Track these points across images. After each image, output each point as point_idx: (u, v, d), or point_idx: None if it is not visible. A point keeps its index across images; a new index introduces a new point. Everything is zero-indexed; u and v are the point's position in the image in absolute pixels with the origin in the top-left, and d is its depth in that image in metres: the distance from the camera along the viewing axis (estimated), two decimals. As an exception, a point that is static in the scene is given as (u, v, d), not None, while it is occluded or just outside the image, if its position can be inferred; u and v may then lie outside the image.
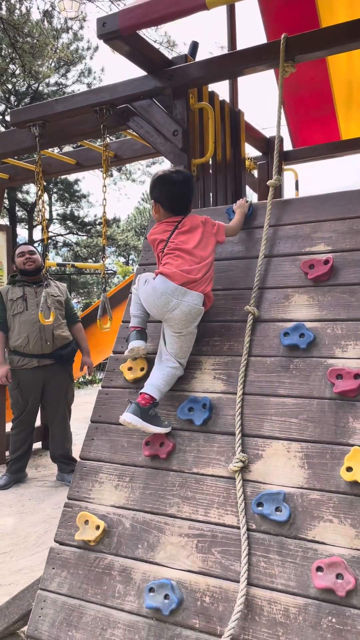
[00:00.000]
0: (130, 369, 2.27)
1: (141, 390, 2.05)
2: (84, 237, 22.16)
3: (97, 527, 1.92)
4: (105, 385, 2.31)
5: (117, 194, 23.24)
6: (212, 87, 3.22)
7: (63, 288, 4.16)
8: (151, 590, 1.73)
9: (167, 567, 1.79)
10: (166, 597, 1.70)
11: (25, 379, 3.97)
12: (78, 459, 2.17)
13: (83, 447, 2.18)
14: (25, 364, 3.95)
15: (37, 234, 20.13)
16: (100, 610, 1.81)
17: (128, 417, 1.96)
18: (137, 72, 3.02)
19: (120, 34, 2.55)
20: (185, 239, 2.20)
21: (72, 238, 22.21)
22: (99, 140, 3.35)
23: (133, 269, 19.02)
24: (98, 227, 20.96)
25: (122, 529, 1.92)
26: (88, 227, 21.59)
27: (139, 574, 1.81)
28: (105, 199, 3.21)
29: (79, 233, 22.05)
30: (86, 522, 1.95)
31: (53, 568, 1.96)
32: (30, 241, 19.02)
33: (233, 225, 2.37)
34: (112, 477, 2.05)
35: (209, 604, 1.68)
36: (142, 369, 2.25)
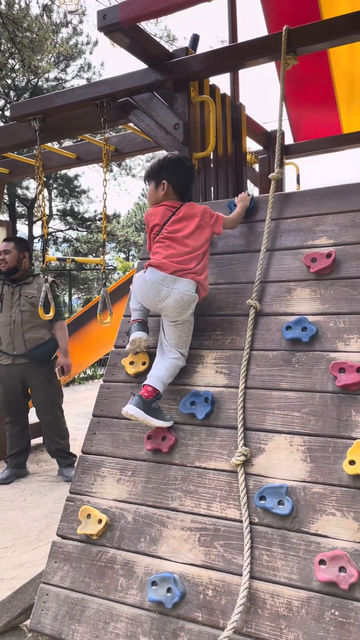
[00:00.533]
0: (132, 363, 2.26)
1: (144, 382, 2.05)
2: (84, 233, 22.14)
3: (100, 521, 1.92)
4: (107, 379, 2.31)
5: (117, 189, 23.18)
6: (213, 80, 3.20)
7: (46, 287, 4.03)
8: (154, 583, 1.73)
9: (170, 560, 1.79)
10: (169, 590, 1.70)
11: (2, 372, 4.04)
12: (80, 453, 2.17)
13: (85, 442, 2.18)
14: (1, 360, 4.02)
15: (37, 230, 20.08)
16: (102, 603, 1.81)
17: (130, 410, 1.96)
18: (136, 67, 3.01)
19: (121, 26, 2.53)
20: (178, 228, 2.21)
21: (72, 234, 22.19)
22: (99, 134, 3.34)
23: (133, 265, 19.02)
24: (98, 223, 20.92)
25: (125, 523, 1.92)
26: (88, 223, 21.56)
27: (142, 567, 1.81)
28: (105, 193, 3.20)
29: (79, 229, 22.02)
30: (88, 516, 1.95)
31: (55, 562, 1.96)
32: (30, 237, 18.99)
33: (233, 217, 2.36)
34: (114, 471, 2.05)
35: (211, 597, 1.68)
36: (143, 363, 2.24)
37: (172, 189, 2.33)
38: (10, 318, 3.95)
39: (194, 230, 2.21)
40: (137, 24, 2.63)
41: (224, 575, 1.70)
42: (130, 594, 1.79)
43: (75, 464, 4.13)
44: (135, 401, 1.98)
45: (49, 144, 4.06)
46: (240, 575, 1.67)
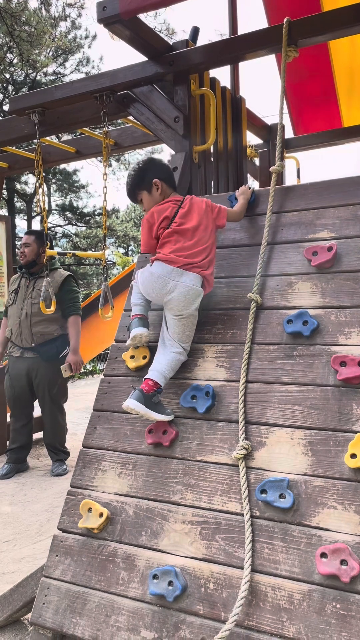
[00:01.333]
0: (132, 357, 2.26)
1: (145, 376, 2.05)
2: (83, 228, 22.07)
3: (101, 515, 1.92)
4: (107, 373, 2.30)
5: (116, 184, 23.10)
6: (213, 73, 3.18)
7: (60, 279, 4.01)
8: (155, 577, 1.73)
9: (171, 554, 1.79)
10: (170, 583, 1.70)
11: (11, 364, 4.11)
12: (80, 448, 2.17)
13: (86, 436, 2.18)
14: (12, 352, 4.10)
15: (36, 225, 20.02)
16: (104, 597, 1.81)
17: (131, 404, 1.96)
18: (135, 61, 2.98)
19: (121, 18, 2.51)
20: (184, 221, 2.21)
21: (71, 229, 22.12)
22: (99, 127, 3.32)
23: (133, 260, 18.97)
24: (97, 218, 20.86)
25: (126, 517, 1.92)
26: (87, 218, 21.49)
27: (143, 561, 1.81)
28: (105, 187, 3.18)
29: (78, 224, 21.95)
30: (89, 509, 1.95)
31: (57, 555, 1.96)
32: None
33: (237, 209, 2.35)
34: (115, 465, 2.05)
35: (213, 590, 1.68)
36: (144, 357, 2.24)
37: (165, 184, 2.32)
38: (22, 310, 3.96)
39: (200, 222, 2.21)
40: (137, 15, 2.60)
41: (225, 569, 1.70)
42: (131, 587, 1.79)
43: (67, 460, 4.18)
44: (136, 395, 1.98)
45: (48, 138, 4.04)
46: (242, 568, 1.67)
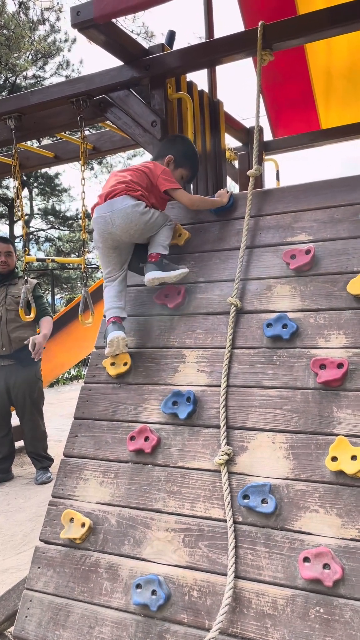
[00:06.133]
0: (113, 364, 2.24)
1: (149, 252, 2.26)
2: (66, 232, 21.94)
3: (83, 525, 1.90)
4: (88, 381, 2.28)
5: (98, 187, 23.04)
6: (190, 77, 3.18)
7: (30, 286, 4.01)
8: (138, 586, 1.71)
9: (154, 562, 1.77)
10: (153, 592, 1.69)
11: None
12: (62, 456, 2.14)
13: (67, 444, 2.15)
14: None
15: (19, 230, 19.87)
16: (87, 608, 1.79)
17: (151, 275, 2.19)
18: (115, 63, 2.97)
19: (95, 22, 2.50)
20: (125, 169, 2.35)
21: (54, 233, 21.98)
22: (77, 132, 3.30)
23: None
24: (80, 222, 20.74)
25: (108, 526, 1.90)
26: (70, 222, 21.37)
27: (126, 570, 1.79)
28: (84, 192, 3.16)
29: (61, 228, 21.81)
30: (71, 520, 1.93)
31: (39, 567, 1.94)
32: (12, 237, 18.79)
33: (194, 196, 2.44)
34: (96, 474, 2.03)
35: (196, 598, 1.67)
36: (125, 364, 2.22)
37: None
38: None
39: (135, 169, 2.31)
40: (112, 20, 2.59)
41: (208, 576, 1.69)
42: (114, 597, 1.77)
43: (51, 467, 4.14)
44: (150, 268, 2.20)
45: (27, 143, 4.00)
46: (225, 575, 1.66)
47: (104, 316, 2.42)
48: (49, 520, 2.01)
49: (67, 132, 3.84)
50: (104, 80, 2.94)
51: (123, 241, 2.27)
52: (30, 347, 3.81)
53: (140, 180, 2.29)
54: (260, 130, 2.56)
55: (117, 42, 2.73)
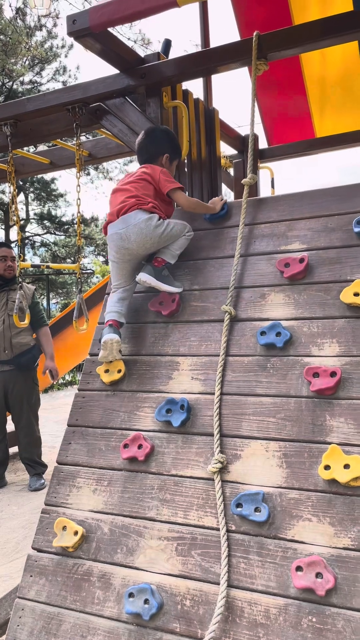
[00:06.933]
0: (107, 371, 2.24)
1: (155, 256, 2.28)
2: (62, 237, 21.93)
3: (76, 533, 1.89)
4: (81, 388, 2.28)
5: (94, 193, 23.06)
6: (186, 85, 3.20)
7: (29, 292, 4.08)
8: (131, 595, 1.71)
9: (147, 571, 1.77)
10: (146, 601, 1.68)
11: None
12: (55, 464, 2.14)
13: (60, 452, 2.15)
14: None
15: (14, 234, 19.86)
16: (79, 617, 1.78)
17: (143, 276, 2.19)
18: (112, 70, 2.99)
19: (91, 31, 2.51)
20: (125, 180, 2.36)
21: (50, 238, 21.96)
22: (73, 139, 3.31)
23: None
24: (76, 227, 20.73)
25: (101, 534, 1.89)
26: (66, 227, 21.36)
27: (119, 579, 1.79)
28: (79, 199, 3.17)
29: (57, 233, 21.80)
30: (64, 528, 1.92)
31: (31, 576, 1.93)
32: (7, 241, 18.76)
33: (191, 198, 2.43)
34: (90, 482, 2.02)
35: (189, 607, 1.66)
36: (119, 371, 2.22)
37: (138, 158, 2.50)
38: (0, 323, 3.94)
39: (137, 179, 2.32)
40: (108, 29, 2.61)
41: (201, 585, 1.69)
42: (107, 606, 1.76)
43: (45, 474, 4.13)
44: (147, 269, 2.21)
45: (23, 149, 4.01)
46: (218, 584, 1.66)
47: (99, 323, 2.42)
48: (41, 528, 2.00)
49: (63, 139, 3.85)
50: (100, 88, 2.96)
51: (140, 254, 2.30)
52: (51, 380, 3.97)
53: (147, 190, 2.30)
54: (255, 138, 2.58)
55: (113, 51, 2.75)
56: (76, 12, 2.51)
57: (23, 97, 3.31)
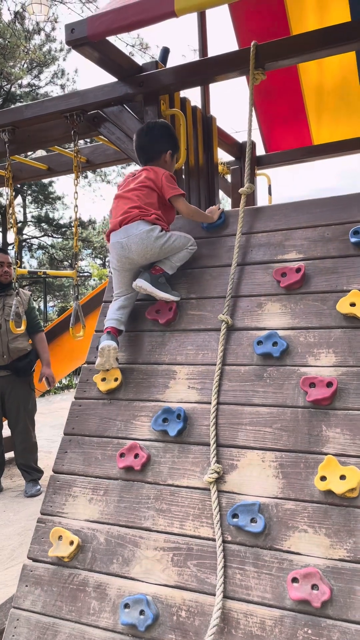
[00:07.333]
0: (103, 379, 2.24)
1: (154, 264, 2.30)
2: (59, 240, 21.92)
3: (71, 543, 1.89)
4: (78, 396, 2.28)
5: (92, 196, 23.07)
6: (183, 93, 3.21)
7: (25, 297, 4.07)
8: (126, 606, 1.71)
9: (143, 581, 1.77)
10: (142, 612, 1.68)
11: None
12: (51, 470, 2.14)
13: (56, 461, 2.14)
14: None
15: (11, 237, 19.84)
16: (75, 627, 1.78)
17: (139, 282, 2.21)
18: (110, 75, 3.00)
19: (89, 40, 2.52)
20: (127, 186, 2.35)
21: (47, 240, 21.96)
22: (71, 145, 3.32)
23: (110, 271, 18.86)
24: (73, 229, 20.74)
25: (97, 544, 1.89)
26: (63, 229, 21.36)
27: (114, 589, 1.78)
28: (77, 206, 3.17)
29: (54, 235, 21.81)
30: (60, 537, 1.92)
31: (26, 585, 1.92)
32: (4, 244, 18.74)
33: (192, 206, 2.42)
34: (86, 491, 2.02)
35: (185, 618, 1.66)
36: (116, 380, 2.22)
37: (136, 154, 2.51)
38: None
39: (140, 186, 2.31)
40: (106, 38, 2.62)
41: (197, 596, 1.68)
42: (102, 617, 1.76)
43: (41, 479, 4.12)
44: (144, 276, 2.23)
45: (21, 155, 4.01)
46: (214, 595, 1.66)
47: (97, 331, 2.43)
48: (37, 537, 2.00)
49: (60, 145, 3.86)
50: (98, 95, 2.97)
51: (140, 264, 2.31)
52: (47, 387, 3.97)
53: (150, 198, 2.30)
54: (253, 146, 2.58)
55: (111, 59, 2.76)
56: (74, 21, 2.52)
57: (21, 105, 3.31)
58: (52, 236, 21.77)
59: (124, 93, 2.90)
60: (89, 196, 21.81)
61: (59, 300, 21.83)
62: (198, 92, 3.88)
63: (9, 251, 4.19)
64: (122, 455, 2.02)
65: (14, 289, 3.58)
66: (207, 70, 2.82)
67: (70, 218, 21.25)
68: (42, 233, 21.58)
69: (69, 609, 1.82)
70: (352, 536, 1.61)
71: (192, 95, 3.54)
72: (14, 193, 3.45)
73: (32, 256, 22.47)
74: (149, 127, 2.47)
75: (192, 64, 2.92)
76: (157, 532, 1.84)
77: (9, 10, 16.90)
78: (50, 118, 3.18)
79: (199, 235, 2.50)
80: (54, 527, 1.96)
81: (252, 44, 2.60)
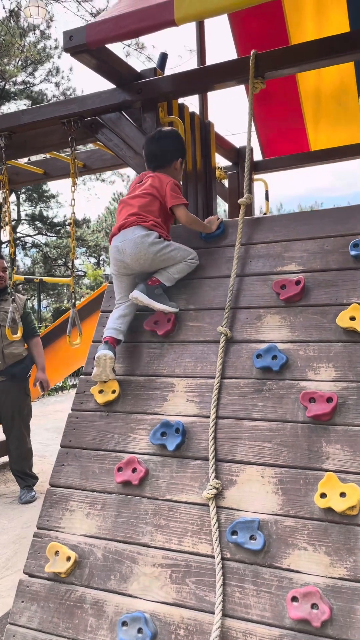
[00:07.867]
0: (101, 391, 2.22)
1: (152, 275, 2.30)
2: (53, 238, 21.84)
3: (68, 559, 1.87)
4: (75, 408, 2.26)
5: (86, 194, 22.99)
6: (182, 98, 3.19)
7: (21, 302, 4.07)
8: (124, 624, 1.69)
9: (141, 599, 1.75)
10: (140, 631, 1.67)
11: None
12: (49, 472, 2.11)
13: (53, 474, 2.12)
14: None
15: (4, 236, 19.71)
16: (72, 645, 1.76)
17: (135, 293, 2.21)
18: (105, 78, 2.97)
19: (88, 48, 2.50)
20: (133, 192, 2.37)
21: (41, 239, 21.87)
22: (68, 150, 3.29)
23: (104, 271, 18.85)
24: (67, 228, 20.68)
25: (94, 560, 1.87)
26: (57, 228, 21.28)
27: (112, 606, 1.77)
28: (74, 212, 3.15)
29: (48, 234, 21.72)
30: (56, 553, 1.90)
31: (22, 601, 1.90)
32: (-2, 243, 18.64)
33: (193, 216, 2.41)
34: (83, 505, 2.00)
35: (183, 636, 1.65)
36: (113, 392, 2.20)
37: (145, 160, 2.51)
38: None
39: (144, 194, 2.32)
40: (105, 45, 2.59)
41: (196, 614, 1.67)
42: (100, 634, 1.74)
43: (35, 485, 4.10)
44: (140, 287, 2.23)
45: (17, 159, 3.98)
46: (213, 613, 1.65)
47: (93, 342, 2.41)
48: (33, 552, 1.98)
49: (57, 150, 3.83)
50: (96, 102, 2.94)
51: (135, 270, 2.32)
52: (41, 391, 3.95)
53: (152, 206, 2.31)
54: (251, 152, 2.56)
55: (109, 66, 2.74)
56: (73, 29, 2.49)
57: (18, 110, 3.28)
58: (46, 234, 21.68)
59: (122, 100, 2.87)
60: (83, 194, 21.72)
61: (52, 300, 21.74)
62: (196, 97, 3.86)
63: (3, 247, 4.17)
64: (119, 469, 2.00)
65: (10, 294, 3.55)
66: (206, 78, 2.80)
67: (65, 217, 21.17)
68: (36, 231, 21.49)
69: (66, 625, 1.80)
70: (352, 555, 1.61)
71: (190, 100, 3.52)
72: (9, 199, 3.42)
73: (25, 254, 22.36)
74: (161, 135, 2.47)
75: (191, 72, 2.90)
76: (155, 548, 1.82)
77: (3, 8, 16.78)
78: (48, 124, 3.16)
79: (197, 245, 2.48)
80: (50, 542, 1.94)
81: (251, 52, 2.58)
